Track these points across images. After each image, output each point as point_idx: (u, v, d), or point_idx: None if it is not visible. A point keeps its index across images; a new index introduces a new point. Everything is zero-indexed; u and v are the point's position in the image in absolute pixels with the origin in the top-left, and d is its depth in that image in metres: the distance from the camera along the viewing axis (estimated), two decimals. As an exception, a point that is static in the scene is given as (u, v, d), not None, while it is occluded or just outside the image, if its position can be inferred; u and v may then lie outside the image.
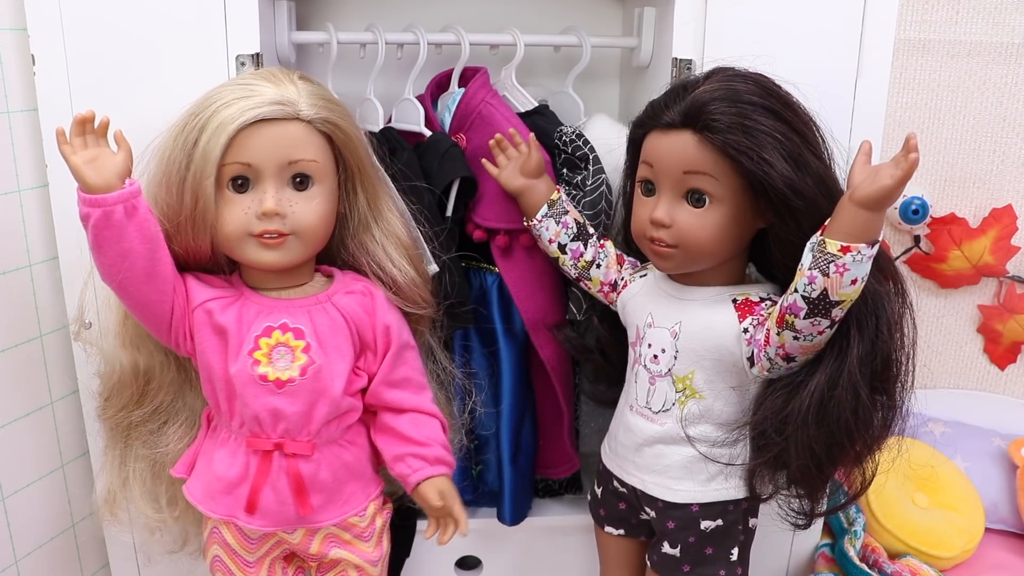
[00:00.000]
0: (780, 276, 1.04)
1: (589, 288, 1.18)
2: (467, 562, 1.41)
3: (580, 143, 1.23)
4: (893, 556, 1.40)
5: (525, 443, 1.31)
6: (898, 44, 1.56)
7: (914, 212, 1.58)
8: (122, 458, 1.15)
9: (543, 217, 1.16)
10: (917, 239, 1.66)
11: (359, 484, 1.09)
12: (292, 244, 1.00)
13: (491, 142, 1.18)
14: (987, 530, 1.48)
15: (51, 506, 1.30)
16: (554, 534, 1.39)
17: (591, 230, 1.17)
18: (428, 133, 1.25)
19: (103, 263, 0.95)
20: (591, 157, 1.22)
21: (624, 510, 1.17)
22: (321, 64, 1.32)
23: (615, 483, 1.15)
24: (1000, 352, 1.69)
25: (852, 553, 1.36)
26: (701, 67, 1.19)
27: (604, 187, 1.21)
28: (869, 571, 1.33)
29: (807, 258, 0.90)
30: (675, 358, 1.05)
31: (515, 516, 1.33)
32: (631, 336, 1.12)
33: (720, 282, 1.06)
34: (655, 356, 1.07)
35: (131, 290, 0.96)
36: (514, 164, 1.17)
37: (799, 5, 1.18)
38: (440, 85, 1.33)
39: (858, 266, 0.87)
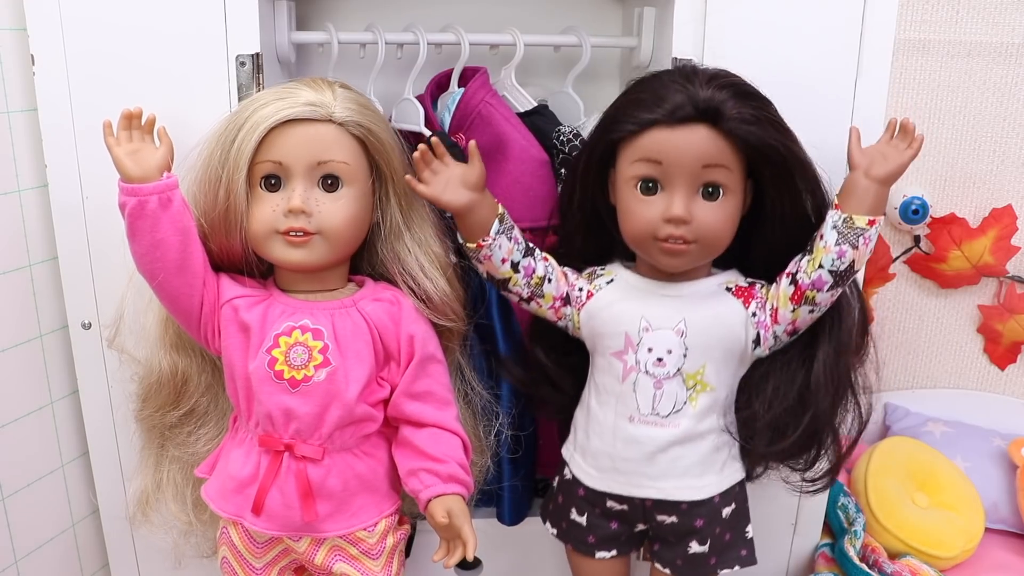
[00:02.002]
0: (735, 260, 1.11)
1: (540, 307, 1.10)
2: (467, 563, 1.41)
3: (577, 143, 1.23)
4: (893, 556, 1.40)
5: (525, 443, 1.31)
6: (898, 44, 1.56)
7: (914, 212, 1.58)
8: (157, 460, 1.17)
9: (496, 234, 1.05)
10: (917, 239, 1.66)
11: (371, 498, 1.08)
12: (317, 244, 1.00)
13: (415, 155, 1.04)
14: (987, 530, 1.48)
15: (51, 506, 1.30)
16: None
17: (530, 244, 1.10)
18: (428, 133, 1.25)
19: (137, 251, 0.99)
20: (591, 157, 1.22)
21: (617, 529, 1.14)
22: (321, 64, 1.32)
23: (609, 503, 1.12)
24: (1000, 352, 1.69)
25: (852, 553, 1.36)
26: (701, 64, 1.19)
27: (604, 187, 1.21)
28: (869, 571, 1.33)
29: (832, 235, 0.99)
30: (684, 356, 1.05)
31: (515, 516, 1.33)
32: (615, 345, 1.07)
33: (705, 275, 1.09)
34: (659, 359, 1.05)
35: (162, 280, 0.99)
36: (446, 178, 1.04)
37: (799, 5, 1.18)
38: (440, 85, 1.33)
39: (875, 236, 0.99)
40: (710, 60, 1.17)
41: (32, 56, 1.14)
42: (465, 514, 1.03)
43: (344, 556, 1.08)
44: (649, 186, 1.01)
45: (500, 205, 1.07)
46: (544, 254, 1.11)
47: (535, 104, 1.31)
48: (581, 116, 1.34)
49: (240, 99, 1.13)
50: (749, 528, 1.13)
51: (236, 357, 1.03)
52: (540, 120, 1.29)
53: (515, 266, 1.07)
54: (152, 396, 1.13)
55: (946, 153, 1.63)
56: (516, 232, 1.08)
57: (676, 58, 1.20)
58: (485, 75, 1.27)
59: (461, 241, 1.08)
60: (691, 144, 0.98)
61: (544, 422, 1.35)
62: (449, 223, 1.16)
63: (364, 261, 1.11)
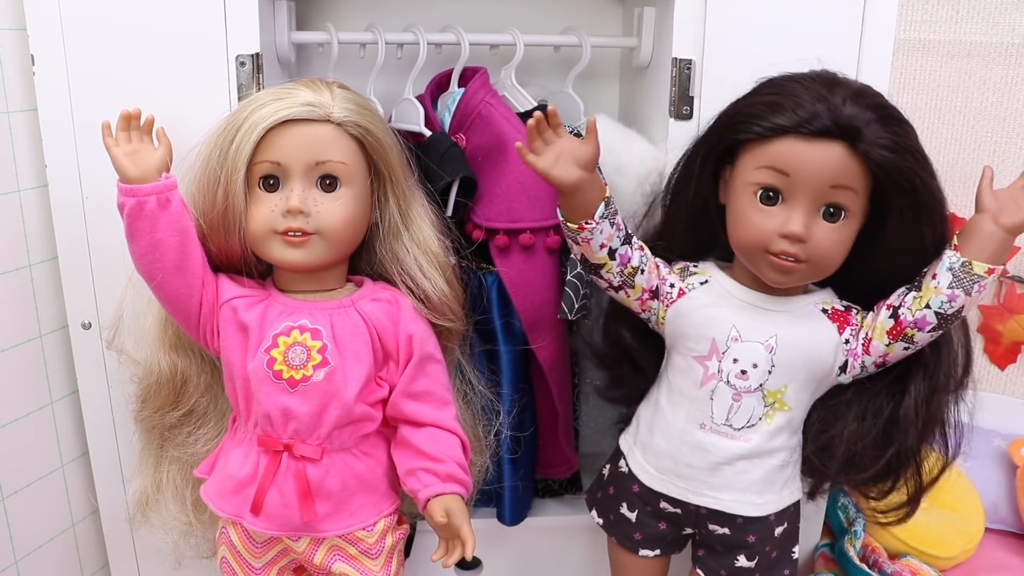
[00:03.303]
0: (837, 282, 1.07)
1: (628, 296, 1.06)
2: (467, 562, 1.41)
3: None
4: (893, 556, 1.40)
5: (525, 443, 1.31)
6: (898, 44, 1.56)
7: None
8: (156, 461, 1.17)
9: (600, 218, 0.98)
10: (917, 239, 1.66)
11: (370, 497, 1.08)
12: (316, 244, 1.01)
13: (531, 122, 0.96)
14: (987, 530, 1.48)
15: (51, 506, 1.30)
16: (554, 534, 1.39)
17: (629, 231, 1.05)
18: (428, 133, 1.25)
19: (135, 252, 0.99)
20: (590, 157, 1.21)
21: (665, 530, 1.13)
22: (321, 64, 1.32)
23: (663, 503, 1.10)
24: (1000, 352, 1.69)
25: (852, 553, 1.36)
26: (701, 67, 1.19)
27: (603, 187, 1.20)
28: (869, 571, 1.33)
29: (946, 278, 0.95)
30: (769, 372, 1.02)
31: (515, 516, 1.33)
32: (699, 349, 1.04)
33: (802, 291, 1.06)
34: (743, 372, 1.02)
35: (161, 281, 0.99)
36: (558, 151, 0.96)
37: (799, 5, 1.18)
38: (440, 85, 1.33)
39: (990, 286, 0.95)
40: (710, 60, 1.18)
41: (32, 56, 1.14)
42: (464, 513, 1.03)
43: (343, 556, 1.08)
44: (770, 195, 0.96)
45: (607, 188, 1.01)
46: (640, 243, 1.06)
47: (535, 104, 1.30)
48: (581, 116, 1.34)
49: (240, 99, 1.13)
50: (796, 549, 1.11)
51: (235, 357, 1.03)
52: (540, 120, 1.29)
53: (612, 253, 1.02)
54: (151, 397, 1.13)
55: (946, 153, 1.63)
56: (619, 218, 1.02)
57: (676, 58, 1.20)
58: (485, 75, 1.26)
59: (561, 220, 1.01)
60: (824, 161, 0.93)
61: (544, 422, 1.35)
62: (448, 223, 1.16)
63: (363, 261, 1.11)
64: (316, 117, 0.98)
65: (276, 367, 1.01)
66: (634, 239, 1.05)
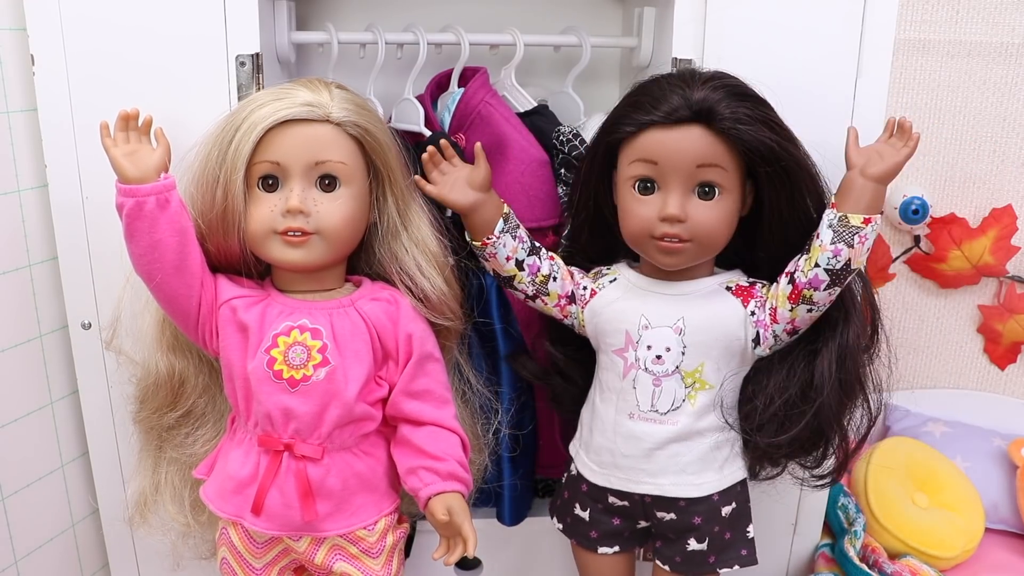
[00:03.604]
0: (740, 260, 1.12)
1: (545, 304, 1.13)
2: (467, 562, 1.41)
3: (577, 143, 1.24)
4: (893, 556, 1.40)
5: (525, 443, 1.31)
6: (898, 44, 1.56)
7: (914, 212, 1.58)
8: (155, 462, 1.17)
9: (501, 233, 1.08)
10: (917, 239, 1.66)
11: (371, 496, 1.08)
12: (315, 243, 1.01)
13: (424, 156, 1.09)
14: (987, 530, 1.48)
15: (51, 506, 1.30)
16: (554, 534, 1.39)
17: (536, 243, 1.12)
18: (428, 133, 1.25)
19: (134, 252, 0.99)
20: (589, 157, 1.22)
21: (619, 525, 1.16)
22: (321, 64, 1.32)
23: (611, 498, 1.13)
24: (1000, 352, 1.69)
25: (852, 553, 1.36)
26: (701, 67, 1.19)
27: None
28: (869, 571, 1.33)
29: (827, 234, 0.99)
30: (683, 354, 1.06)
31: (515, 516, 1.33)
32: (616, 343, 1.09)
33: (705, 274, 1.10)
34: (658, 357, 1.06)
35: (160, 281, 0.99)
36: (453, 179, 1.09)
37: (799, 5, 1.18)
38: (440, 85, 1.33)
39: (873, 235, 1.00)
40: (710, 60, 1.18)
41: (32, 56, 1.14)
42: (465, 511, 1.03)
43: (344, 555, 1.08)
44: (646, 186, 1.03)
45: (506, 205, 1.09)
46: (551, 253, 1.13)
47: (535, 104, 1.31)
48: (581, 116, 1.34)
49: (240, 99, 1.13)
50: (750, 528, 1.13)
51: (235, 357, 1.03)
52: (540, 120, 1.29)
53: (520, 264, 1.10)
54: (149, 398, 1.13)
55: (946, 153, 1.63)
56: (521, 231, 1.10)
57: (676, 58, 1.20)
58: (485, 75, 1.27)
59: (468, 239, 1.10)
60: (685, 144, 0.99)
61: (544, 422, 1.35)
62: (449, 222, 1.16)
63: (362, 261, 1.11)
64: (315, 117, 0.99)
65: (276, 367, 1.01)
66: (543, 250, 1.12)
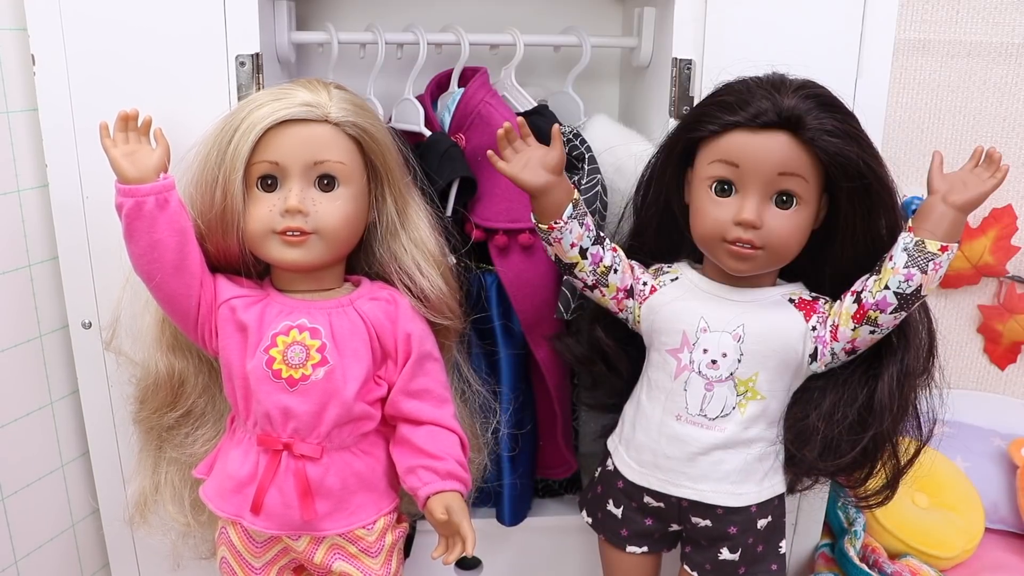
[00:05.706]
0: (802, 273, 1.10)
1: (603, 296, 1.11)
2: (467, 562, 1.41)
3: (577, 143, 1.23)
4: (893, 556, 1.40)
5: (525, 443, 1.31)
6: (898, 44, 1.56)
7: (914, 212, 1.57)
8: (155, 462, 1.17)
9: (568, 219, 1.05)
10: (917, 239, 1.66)
11: (370, 496, 1.08)
12: (314, 243, 1.01)
13: (499, 131, 1.05)
14: (987, 530, 1.48)
15: (51, 506, 1.30)
16: (554, 534, 1.39)
17: (600, 233, 1.11)
18: (428, 133, 1.25)
19: (134, 252, 0.99)
20: (587, 157, 1.22)
21: (651, 525, 1.14)
22: (321, 64, 1.32)
23: (647, 498, 1.12)
24: (1000, 352, 1.69)
25: (852, 553, 1.36)
26: (701, 67, 1.19)
27: (599, 187, 1.21)
28: (869, 571, 1.33)
29: (901, 258, 0.98)
30: (739, 361, 1.04)
31: (514, 516, 1.33)
32: (672, 342, 1.07)
33: (769, 283, 1.09)
34: (713, 361, 1.05)
35: (159, 281, 0.99)
36: (526, 158, 1.05)
37: (799, 5, 1.18)
38: (440, 85, 1.33)
39: (947, 264, 0.97)
40: (710, 60, 1.18)
41: (32, 56, 1.14)
42: (464, 511, 1.03)
43: (343, 554, 1.08)
44: (724, 188, 1.01)
45: (576, 191, 1.07)
46: (614, 244, 1.11)
47: (535, 104, 1.31)
48: (581, 116, 1.34)
49: (240, 99, 1.13)
50: (783, 544, 1.12)
51: (234, 357, 1.03)
52: (540, 120, 1.29)
53: (583, 252, 1.07)
54: (149, 398, 1.13)
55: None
56: (589, 220, 1.08)
57: (676, 58, 1.20)
58: (485, 75, 1.27)
59: (534, 221, 1.08)
60: (769, 150, 0.98)
61: (545, 423, 1.35)
62: (447, 222, 1.16)
63: (361, 261, 1.11)
64: (314, 117, 0.99)
65: (275, 366, 1.01)
66: (607, 241, 1.10)
